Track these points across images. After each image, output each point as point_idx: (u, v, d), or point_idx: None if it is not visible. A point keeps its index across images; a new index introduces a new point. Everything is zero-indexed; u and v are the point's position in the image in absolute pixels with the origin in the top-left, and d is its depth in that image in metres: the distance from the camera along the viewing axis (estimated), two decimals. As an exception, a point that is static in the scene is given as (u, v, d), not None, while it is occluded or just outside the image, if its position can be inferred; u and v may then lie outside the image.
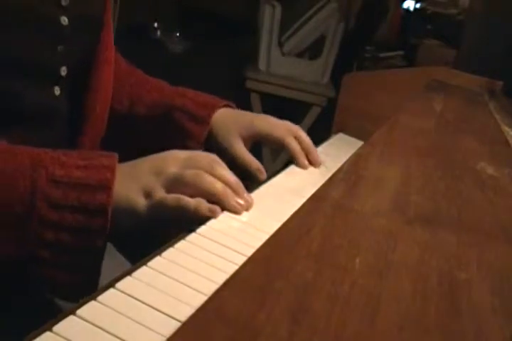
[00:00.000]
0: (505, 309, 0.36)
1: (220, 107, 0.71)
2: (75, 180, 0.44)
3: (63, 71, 0.60)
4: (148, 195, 0.48)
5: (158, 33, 2.98)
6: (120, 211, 0.46)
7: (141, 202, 0.47)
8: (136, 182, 0.48)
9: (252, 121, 0.70)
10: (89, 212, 0.44)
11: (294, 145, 0.69)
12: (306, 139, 0.71)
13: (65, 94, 0.61)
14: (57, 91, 0.60)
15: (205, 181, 0.49)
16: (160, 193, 0.48)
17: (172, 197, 0.47)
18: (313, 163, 0.70)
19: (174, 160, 0.50)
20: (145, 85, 0.75)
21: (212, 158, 0.53)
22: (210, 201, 0.49)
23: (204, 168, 0.50)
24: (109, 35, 0.65)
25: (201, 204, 0.47)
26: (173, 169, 0.49)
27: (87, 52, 0.63)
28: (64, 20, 0.57)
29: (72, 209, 0.44)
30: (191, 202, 0.47)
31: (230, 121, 0.71)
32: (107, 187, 0.45)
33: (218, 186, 0.49)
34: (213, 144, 0.70)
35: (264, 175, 0.66)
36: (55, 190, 0.44)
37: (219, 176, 0.50)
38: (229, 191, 0.50)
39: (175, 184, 0.48)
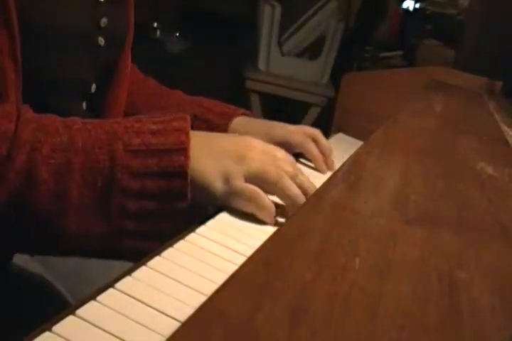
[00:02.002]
0: (505, 309, 0.36)
1: (237, 115, 0.72)
2: (151, 147, 0.45)
3: (93, 88, 0.63)
4: (226, 179, 0.48)
5: (158, 32, 2.98)
6: (193, 184, 0.46)
7: (217, 183, 0.48)
8: (216, 160, 0.49)
9: (270, 130, 0.71)
10: (169, 175, 0.45)
11: (313, 150, 0.69)
12: (325, 142, 0.71)
13: (89, 109, 0.64)
14: (84, 106, 0.63)
15: (287, 186, 0.50)
16: (239, 182, 0.48)
17: (250, 189, 0.48)
18: (330, 166, 0.70)
19: (258, 152, 0.51)
20: (162, 96, 0.77)
21: (293, 162, 0.54)
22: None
23: (287, 171, 0.51)
24: (128, 53, 0.67)
25: (272, 214, 0.49)
26: (256, 162, 0.50)
27: (111, 69, 0.66)
28: (101, 40, 0.60)
29: (152, 176, 0.45)
30: (268, 205, 0.48)
31: (248, 129, 0.71)
32: (182, 148, 0.46)
33: (296, 192, 0.50)
34: None
35: None
36: (133, 159, 0.45)
37: (300, 184, 0.51)
38: (303, 200, 0.51)
39: (256, 178, 0.49)
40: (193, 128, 0.71)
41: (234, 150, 0.50)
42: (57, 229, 0.44)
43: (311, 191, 0.52)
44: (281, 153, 0.53)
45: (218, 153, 0.49)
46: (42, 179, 0.42)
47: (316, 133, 0.71)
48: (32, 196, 0.42)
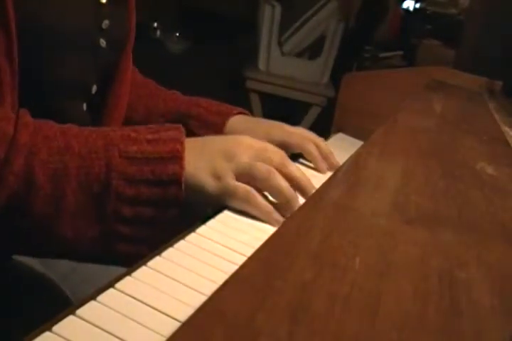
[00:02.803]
0: (505, 309, 0.36)
1: (233, 115, 0.72)
2: (147, 155, 0.46)
3: (94, 89, 0.63)
4: (217, 177, 0.48)
5: (158, 32, 2.98)
6: (187, 187, 0.47)
7: (209, 182, 0.48)
8: (206, 161, 0.49)
9: (269, 129, 0.70)
10: (164, 183, 0.46)
11: (313, 151, 0.69)
12: (324, 145, 0.71)
13: (89, 110, 0.64)
14: (85, 107, 0.63)
15: (276, 180, 0.50)
16: (230, 179, 0.49)
17: (243, 189, 0.48)
18: (332, 168, 0.70)
19: (247, 148, 0.51)
20: (160, 96, 0.77)
21: (283, 154, 0.54)
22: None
23: (276, 164, 0.51)
24: (129, 54, 0.67)
25: (273, 213, 0.49)
26: (245, 158, 0.50)
27: (112, 70, 0.66)
28: (102, 42, 0.60)
29: (148, 183, 0.45)
30: (263, 204, 0.49)
31: (245, 128, 0.71)
32: (177, 157, 0.46)
33: (286, 188, 0.50)
34: None
35: None
36: (129, 166, 0.45)
37: (289, 174, 0.52)
38: (295, 195, 0.51)
39: (245, 174, 0.49)
40: (189, 128, 0.71)
41: (223, 148, 0.50)
42: (52, 232, 0.44)
43: (302, 180, 0.53)
44: (269, 146, 0.53)
45: (209, 154, 0.50)
46: (39, 183, 0.43)
47: (314, 137, 0.71)
48: (29, 199, 0.43)
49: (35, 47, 0.51)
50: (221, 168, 0.49)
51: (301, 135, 0.70)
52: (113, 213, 0.45)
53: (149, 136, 0.47)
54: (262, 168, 0.50)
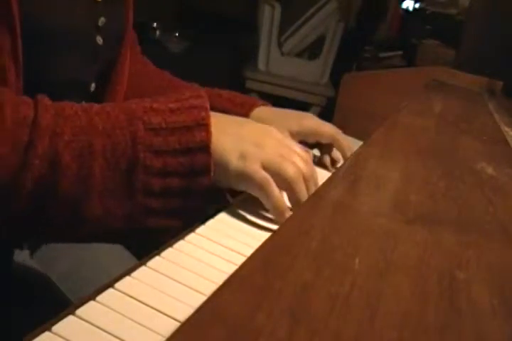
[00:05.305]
0: (505, 309, 0.36)
1: (257, 106, 0.71)
2: (172, 125, 0.45)
3: (93, 87, 0.63)
4: (243, 159, 0.48)
5: (158, 32, 2.98)
6: (213, 164, 0.46)
7: (233, 161, 0.48)
8: (235, 143, 0.48)
9: (300, 118, 0.70)
10: (191, 151, 0.45)
11: (345, 141, 0.69)
12: (348, 143, 0.71)
13: None
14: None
15: (299, 188, 0.50)
16: (255, 165, 0.48)
17: (262, 176, 0.48)
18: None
19: (277, 142, 0.51)
20: (178, 88, 0.75)
21: (307, 158, 0.53)
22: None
23: (303, 170, 0.51)
24: (127, 51, 0.67)
25: (285, 211, 0.48)
26: (275, 151, 0.50)
27: (109, 67, 0.66)
28: (99, 39, 0.60)
29: (175, 153, 0.45)
30: (278, 197, 0.48)
31: (275, 117, 0.70)
32: (203, 124, 0.46)
33: (304, 199, 0.50)
34: None
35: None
36: (154, 137, 0.45)
37: (309, 186, 0.51)
38: None
39: (272, 168, 0.49)
40: None
41: (253, 135, 0.50)
42: (82, 212, 0.43)
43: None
44: (297, 147, 0.53)
45: (237, 135, 0.49)
46: (65, 163, 0.42)
47: (340, 131, 0.71)
48: (56, 181, 0.42)
49: (33, 46, 0.51)
50: (250, 152, 0.48)
51: (332, 127, 0.70)
52: (142, 187, 0.44)
53: (172, 105, 0.47)
54: (291, 170, 0.49)
